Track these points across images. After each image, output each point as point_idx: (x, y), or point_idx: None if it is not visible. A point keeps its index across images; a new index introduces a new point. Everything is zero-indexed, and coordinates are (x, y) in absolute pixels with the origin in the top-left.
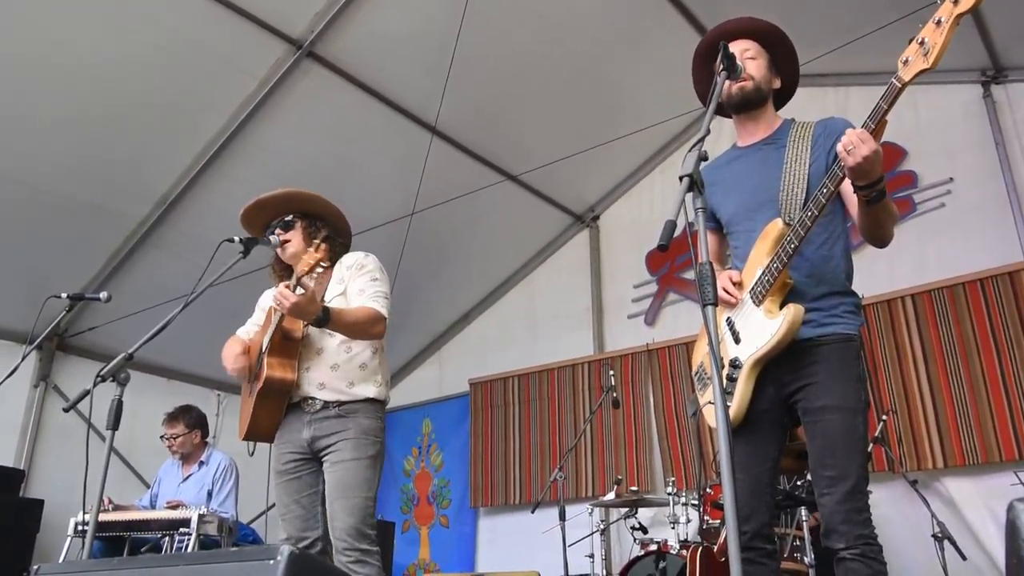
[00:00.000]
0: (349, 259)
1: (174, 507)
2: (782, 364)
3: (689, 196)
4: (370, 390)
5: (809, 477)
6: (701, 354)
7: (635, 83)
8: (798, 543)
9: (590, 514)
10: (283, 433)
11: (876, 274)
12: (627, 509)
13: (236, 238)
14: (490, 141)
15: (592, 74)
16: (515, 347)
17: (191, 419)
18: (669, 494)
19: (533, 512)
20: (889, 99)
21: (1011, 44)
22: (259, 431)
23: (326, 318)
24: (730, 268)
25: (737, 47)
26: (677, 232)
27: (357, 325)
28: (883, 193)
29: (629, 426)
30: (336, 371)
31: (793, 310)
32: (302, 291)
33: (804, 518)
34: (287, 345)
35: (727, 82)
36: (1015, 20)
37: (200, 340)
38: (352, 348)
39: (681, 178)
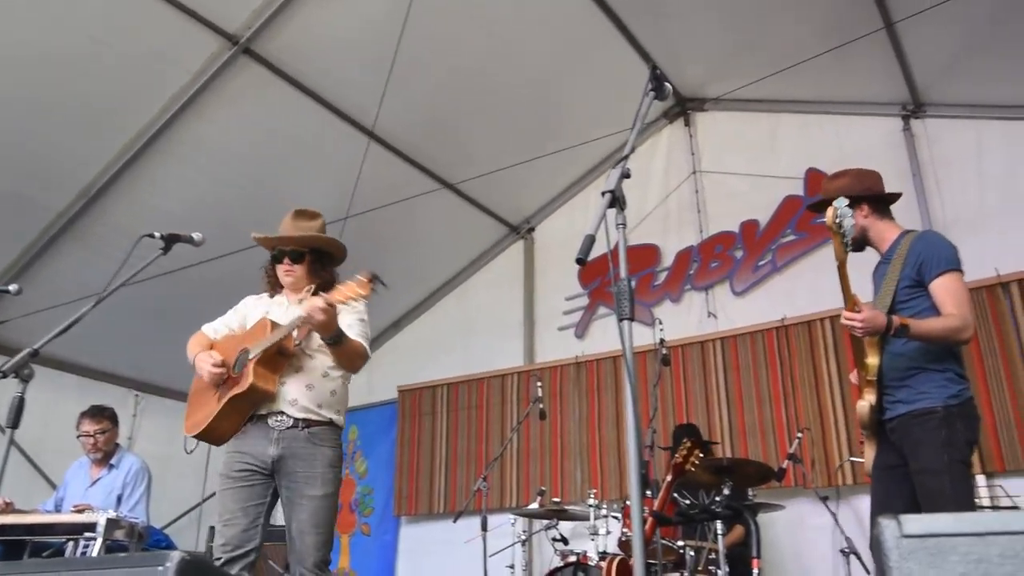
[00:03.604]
0: None
1: (81, 511)
2: (894, 431)
3: (611, 212)
4: (333, 415)
5: (726, 492)
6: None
7: (576, 100)
8: (713, 556)
9: (513, 524)
10: (242, 442)
11: (797, 298)
12: (549, 520)
13: (156, 233)
14: (429, 148)
15: (534, 88)
16: (446, 355)
17: (113, 415)
18: (590, 506)
19: (455, 521)
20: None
21: (930, 81)
22: (215, 434)
23: (340, 338)
24: None
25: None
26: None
27: (354, 355)
28: (905, 330)
29: (555, 437)
30: (310, 391)
31: (859, 406)
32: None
33: (720, 532)
34: (278, 359)
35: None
36: (934, 58)
37: (121, 338)
38: (329, 374)
39: (604, 193)
